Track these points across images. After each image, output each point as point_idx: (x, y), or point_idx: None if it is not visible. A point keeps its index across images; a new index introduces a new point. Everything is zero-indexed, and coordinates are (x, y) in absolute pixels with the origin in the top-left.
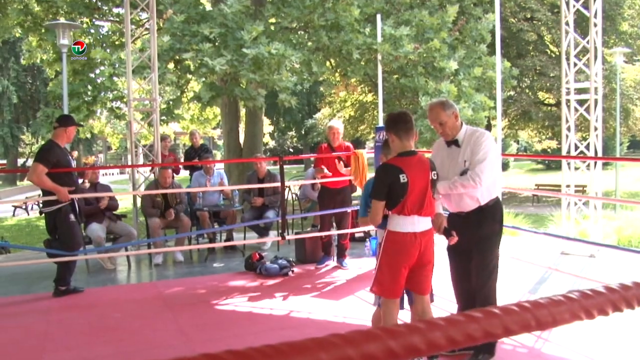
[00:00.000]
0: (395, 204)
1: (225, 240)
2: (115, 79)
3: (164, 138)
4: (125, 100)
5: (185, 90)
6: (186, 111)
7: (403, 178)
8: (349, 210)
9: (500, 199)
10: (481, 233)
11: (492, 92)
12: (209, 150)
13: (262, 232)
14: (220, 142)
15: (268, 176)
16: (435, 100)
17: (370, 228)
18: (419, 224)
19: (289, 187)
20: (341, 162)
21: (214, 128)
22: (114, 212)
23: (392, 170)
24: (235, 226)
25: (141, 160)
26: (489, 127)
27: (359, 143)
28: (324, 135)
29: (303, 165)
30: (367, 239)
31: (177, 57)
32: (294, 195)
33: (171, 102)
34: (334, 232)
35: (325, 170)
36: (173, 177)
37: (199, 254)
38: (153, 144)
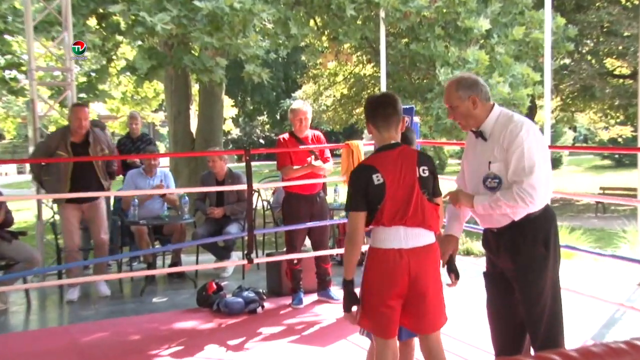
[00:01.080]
0: (372, 212)
1: (170, 266)
2: (8, 38)
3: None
4: (24, 69)
5: (114, 57)
6: (115, 87)
7: (377, 178)
8: (328, 223)
9: (549, 209)
10: (519, 258)
11: (538, 61)
12: (152, 141)
13: (222, 253)
14: (163, 131)
15: (230, 177)
16: (454, 77)
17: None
18: (407, 237)
19: (258, 191)
20: (315, 158)
21: (155, 111)
22: (8, 229)
23: (364, 171)
24: (185, 245)
25: None
26: (532, 111)
27: (353, 132)
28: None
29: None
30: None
31: (101, 11)
32: (265, 203)
33: (93, 74)
34: (307, 254)
35: (314, 161)
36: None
37: (132, 285)
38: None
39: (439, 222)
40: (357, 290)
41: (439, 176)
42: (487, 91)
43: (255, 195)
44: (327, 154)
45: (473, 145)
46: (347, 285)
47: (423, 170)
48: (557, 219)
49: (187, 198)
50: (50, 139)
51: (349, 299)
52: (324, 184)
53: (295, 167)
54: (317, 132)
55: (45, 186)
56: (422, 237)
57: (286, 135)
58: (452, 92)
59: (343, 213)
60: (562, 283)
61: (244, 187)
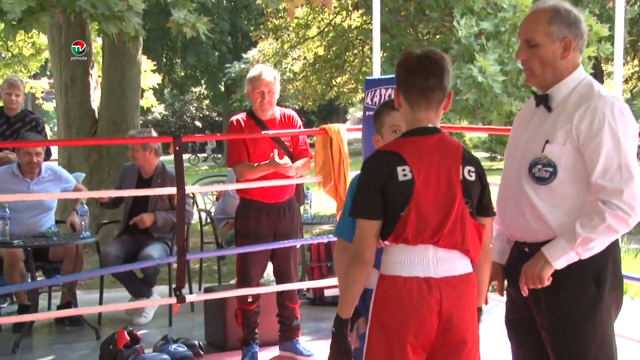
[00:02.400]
0: (392, 222)
1: (60, 307)
2: None
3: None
4: None
5: None
6: None
7: (404, 173)
8: (298, 244)
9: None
10: (556, 299)
11: (605, 6)
12: (40, 123)
13: (139, 288)
14: (49, 106)
15: (161, 176)
16: (545, 4)
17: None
18: (437, 262)
19: (193, 197)
20: (280, 154)
21: (35, 76)
22: None
23: (384, 159)
24: (84, 276)
25: None
26: (596, 79)
27: (332, 111)
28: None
29: (221, 155)
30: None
31: None
32: (203, 215)
33: None
34: (267, 288)
35: (279, 159)
36: None
37: (0, 337)
38: None
39: (480, 249)
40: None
41: None
42: (585, 40)
43: (190, 202)
44: (305, 143)
45: (528, 118)
46: (340, 329)
47: (469, 171)
48: (626, 239)
49: (85, 207)
50: None
51: (340, 352)
52: (298, 187)
53: (255, 164)
54: (290, 111)
55: None
56: (457, 264)
57: (242, 116)
58: (540, 24)
59: (317, 229)
60: (621, 330)
61: (172, 190)
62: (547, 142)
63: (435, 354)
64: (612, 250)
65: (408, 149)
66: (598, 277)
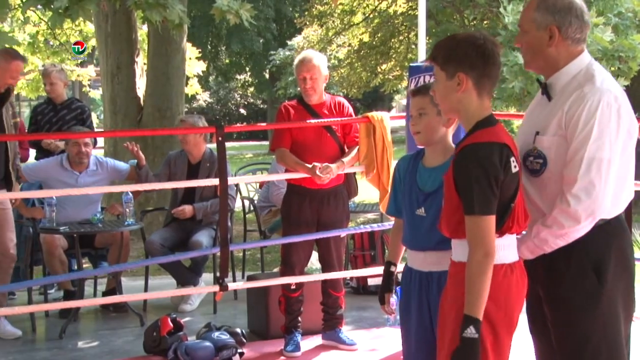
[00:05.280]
0: (504, 214)
1: (106, 294)
2: None
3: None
4: None
5: None
6: (20, 27)
7: (514, 164)
8: (343, 234)
9: (612, 220)
10: (558, 291)
11: None
12: (87, 111)
13: (185, 276)
14: (95, 94)
15: (209, 161)
16: None
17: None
18: (515, 248)
19: (237, 186)
20: (324, 169)
21: (82, 64)
22: None
23: (500, 152)
24: (129, 266)
25: None
26: None
27: (378, 99)
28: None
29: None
30: (395, 290)
31: None
32: (247, 203)
33: None
34: (309, 277)
35: (319, 172)
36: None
37: (47, 322)
38: None
39: None
40: None
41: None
42: (582, 28)
43: (233, 188)
44: (357, 131)
45: (533, 106)
46: (478, 332)
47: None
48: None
49: (130, 194)
50: None
51: (472, 357)
52: (349, 177)
53: (295, 159)
54: (340, 98)
55: None
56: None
57: (292, 103)
58: (529, 11)
59: (362, 218)
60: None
61: (215, 182)
62: (537, 133)
63: None
64: (616, 239)
65: (507, 139)
66: (598, 266)
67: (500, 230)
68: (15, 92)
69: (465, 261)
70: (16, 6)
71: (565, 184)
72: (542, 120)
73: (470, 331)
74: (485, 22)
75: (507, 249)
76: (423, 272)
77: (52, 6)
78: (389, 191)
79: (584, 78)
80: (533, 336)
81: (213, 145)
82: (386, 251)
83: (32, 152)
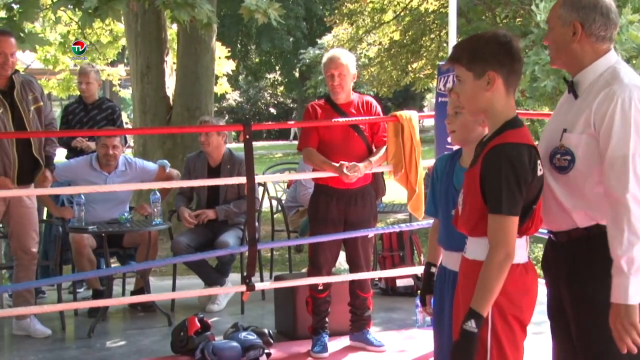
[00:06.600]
0: (525, 215)
1: (133, 293)
2: None
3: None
4: None
5: None
6: (51, 27)
7: (540, 167)
8: (371, 233)
9: None
10: (577, 285)
11: None
12: (117, 111)
13: (212, 276)
14: (125, 93)
15: (229, 163)
16: None
17: (420, 269)
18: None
19: (264, 185)
20: (351, 168)
21: (112, 64)
22: None
23: (529, 155)
24: (157, 264)
25: None
26: None
27: (409, 98)
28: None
29: (297, 142)
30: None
31: None
32: (275, 203)
33: (16, 7)
34: (337, 277)
35: (346, 170)
36: None
37: (76, 321)
38: None
39: None
40: None
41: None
42: (607, 26)
43: (261, 190)
44: (385, 130)
45: (561, 104)
46: (479, 328)
47: None
48: None
49: (158, 194)
50: None
51: (469, 350)
52: (377, 177)
53: (322, 158)
54: (368, 98)
55: None
56: None
57: (320, 101)
58: (555, 8)
59: (392, 218)
60: None
61: (242, 180)
62: (564, 130)
63: None
64: None
65: (532, 141)
66: None
67: (520, 231)
68: (46, 92)
69: (481, 259)
70: (47, 6)
71: (614, 186)
72: (570, 117)
73: (471, 324)
74: (518, 19)
75: (521, 250)
76: (457, 272)
77: (82, 6)
78: (417, 191)
79: (610, 76)
80: (553, 337)
81: (232, 146)
82: (415, 252)
83: (63, 152)
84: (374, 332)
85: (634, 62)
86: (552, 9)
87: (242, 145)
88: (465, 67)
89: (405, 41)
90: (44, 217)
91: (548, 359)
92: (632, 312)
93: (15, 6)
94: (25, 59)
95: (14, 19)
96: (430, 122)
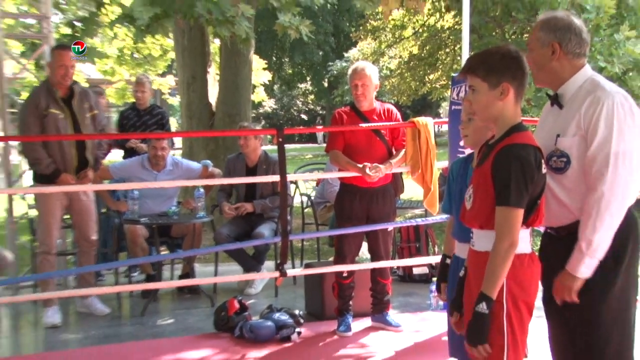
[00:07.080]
0: (531, 209)
1: (181, 277)
2: None
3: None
4: None
5: (106, 1)
6: (109, 42)
7: (544, 166)
8: (391, 227)
9: (631, 212)
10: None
11: None
12: (166, 117)
13: (251, 263)
14: (173, 101)
15: (265, 163)
16: (546, 14)
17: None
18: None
19: (295, 183)
20: (373, 168)
21: (162, 75)
22: None
23: (535, 154)
24: (201, 252)
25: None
26: None
27: (425, 106)
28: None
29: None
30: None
31: None
32: (305, 199)
33: (79, 25)
34: (360, 265)
35: (369, 171)
36: None
37: (131, 302)
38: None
39: None
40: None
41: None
42: (581, 44)
43: (292, 187)
44: (404, 135)
45: (544, 117)
46: (490, 309)
47: None
48: None
49: (201, 190)
50: (32, 99)
51: (482, 330)
52: (396, 177)
53: (347, 159)
54: (389, 106)
55: (41, 167)
56: None
57: (346, 109)
58: (534, 32)
59: (410, 213)
60: None
61: (276, 178)
62: (558, 135)
63: None
64: (633, 227)
65: (537, 143)
66: (617, 253)
67: (526, 224)
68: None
69: (489, 250)
70: (105, 24)
71: (595, 178)
72: (561, 124)
73: (482, 307)
74: (525, 35)
75: (525, 240)
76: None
77: (135, 23)
78: (432, 189)
79: (591, 86)
80: (548, 320)
81: (267, 148)
82: (429, 243)
83: (119, 152)
84: (393, 314)
85: (630, 74)
86: (531, 33)
87: (276, 147)
88: (481, 78)
89: (422, 55)
90: (102, 210)
91: (543, 336)
92: (577, 282)
93: (77, 24)
94: (86, 71)
95: (77, 35)
96: (444, 127)
